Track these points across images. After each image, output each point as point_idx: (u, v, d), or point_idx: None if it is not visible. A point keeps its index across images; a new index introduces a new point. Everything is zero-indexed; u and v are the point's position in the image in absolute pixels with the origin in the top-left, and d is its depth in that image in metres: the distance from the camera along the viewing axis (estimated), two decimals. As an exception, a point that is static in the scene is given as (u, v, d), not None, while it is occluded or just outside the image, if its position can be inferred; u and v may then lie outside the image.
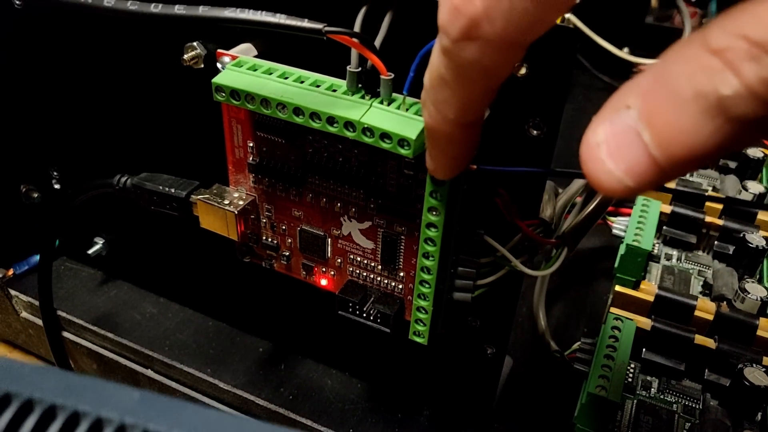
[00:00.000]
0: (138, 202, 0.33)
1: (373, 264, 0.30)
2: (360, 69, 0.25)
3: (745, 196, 0.43)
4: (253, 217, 0.32)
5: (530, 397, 0.38)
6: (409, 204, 0.28)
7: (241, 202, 0.31)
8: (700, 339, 0.33)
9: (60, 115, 0.39)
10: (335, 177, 0.29)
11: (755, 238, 0.38)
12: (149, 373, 0.39)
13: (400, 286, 0.30)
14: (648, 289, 0.36)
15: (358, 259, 0.31)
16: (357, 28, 0.25)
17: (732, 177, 0.46)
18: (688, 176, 0.48)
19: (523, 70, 0.24)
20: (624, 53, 0.60)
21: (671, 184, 0.46)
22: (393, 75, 0.25)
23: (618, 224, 0.44)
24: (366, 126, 0.24)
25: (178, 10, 0.26)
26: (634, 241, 0.38)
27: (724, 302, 0.36)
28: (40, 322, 0.41)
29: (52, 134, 0.40)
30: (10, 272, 0.44)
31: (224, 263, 0.37)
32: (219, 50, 0.29)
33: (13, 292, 0.43)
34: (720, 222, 0.41)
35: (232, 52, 0.29)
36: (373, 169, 0.28)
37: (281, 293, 0.37)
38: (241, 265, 0.34)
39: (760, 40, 0.12)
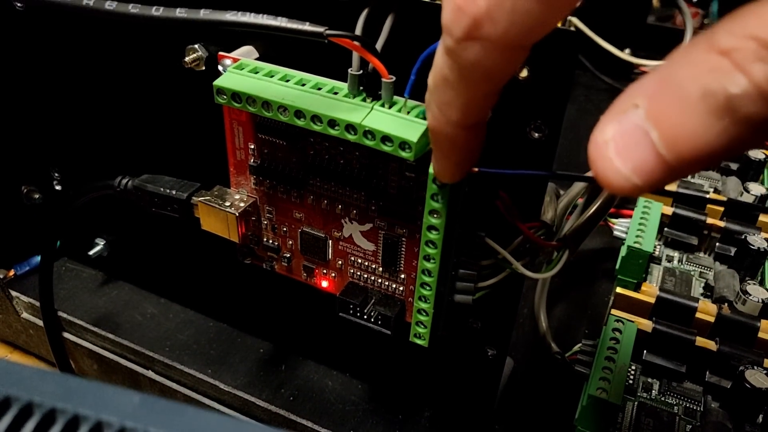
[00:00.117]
0: (139, 203, 0.33)
1: (374, 266, 0.30)
2: (361, 72, 0.25)
3: (747, 198, 0.43)
4: (254, 218, 0.32)
5: (531, 398, 0.38)
6: (410, 206, 0.28)
7: (242, 204, 0.31)
8: (701, 341, 0.33)
9: (61, 117, 0.39)
10: (336, 179, 0.29)
11: (757, 240, 0.38)
12: (150, 373, 0.39)
13: (401, 288, 0.30)
14: (649, 291, 0.36)
15: (359, 261, 0.31)
16: (358, 31, 0.25)
17: (734, 179, 0.46)
18: (689, 178, 0.48)
19: (524, 73, 0.24)
20: (625, 54, 0.60)
21: (673, 186, 0.46)
22: (394, 78, 0.25)
23: (619, 226, 0.44)
24: (367, 129, 0.24)
25: (180, 13, 0.26)
26: (635, 242, 0.38)
27: (726, 304, 0.36)
28: (40, 322, 0.41)
29: (54, 136, 0.40)
30: (11, 273, 0.44)
31: (225, 265, 0.37)
32: (220, 53, 0.29)
33: (14, 293, 0.43)
34: (721, 224, 0.40)
35: (234, 54, 0.29)
36: (374, 172, 0.28)
37: (282, 295, 0.37)
38: (242, 266, 0.34)
39: None
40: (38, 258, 0.45)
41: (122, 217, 0.42)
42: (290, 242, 0.32)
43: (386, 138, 0.24)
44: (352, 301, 0.30)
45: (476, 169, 0.25)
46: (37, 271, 0.41)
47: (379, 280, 0.31)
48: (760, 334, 0.33)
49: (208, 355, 0.40)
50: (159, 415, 0.14)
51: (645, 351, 0.34)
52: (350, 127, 0.24)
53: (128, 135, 0.37)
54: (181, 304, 0.43)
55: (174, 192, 0.32)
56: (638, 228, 0.39)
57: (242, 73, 0.27)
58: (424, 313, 0.29)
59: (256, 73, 0.27)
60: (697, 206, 0.42)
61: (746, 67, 0.12)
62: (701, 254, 0.41)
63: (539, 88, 0.24)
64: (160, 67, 0.33)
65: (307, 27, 0.25)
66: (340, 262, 0.31)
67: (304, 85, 0.26)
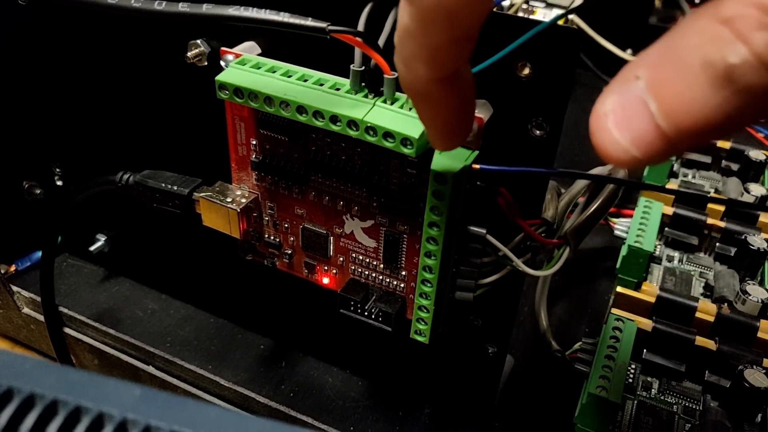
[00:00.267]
0: (140, 199, 0.33)
1: (375, 263, 0.30)
2: (363, 68, 0.25)
3: (747, 199, 0.43)
4: (255, 214, 0.32)
5: (531, 396, 0.38)
6: (412, 203, 0.28)
7: (243, 200, 0.31)
8: (700, 340, 0.33)
9: (63, 112, 0.39)
10: (338, 175, 0.29)
11: (757, 240, 0.39)
12: (150, 369, 0.39)
13: (402, 285, 0.30)
14: (649, 290, 0.36)
15: (360, 257, 0.31)
16: (361, 26, 0.25)
17: (734, 179, 0.46)
18: (690, 178, 0.48)
19: (526, 71, 0.24)
20: (627, 55, 0.60)
21: (673, 186, 0.46)
22: (396, 74, 0.25)
23: (620, 225, 0.45)
24: (369, 125, 0.24)
25: (182, 7, 0.26)
26: (635, 242, 0.38)
27: (725, 304, 0.36)
28: (41, 317, 0.41)
29: (55, 131, 0.40)
30: (12, 268, 0.45)
31: (226, 261, 0.37)
32: (222, 48, 0.29)
33: (15, 288, 0.43)
34: (722, 224, 0.41)
35: (236, 50, 0.29)
36: (375, 168, 0.28)
37: (283, 291, 0.37)
38: (243, 262, 0.34)
39: None
40: (39, 253, 0.45)
41: (123, 213, 0.42)
42: (291, 239, 0.32)
43: (388, 134, 0.24)
44: (353, 297, 0.30)
45: (477, 167, 0.25)
46: (38, 266, 0.41)
47: (380, 277, 0.31)
48: (760, 334, 0.34)
49: (208, 351, 0.40)
50: (160, 407, 0.14)
51: (645, 350, 0.34)
52: (352, 123, 0.24)
53: (130, 130, 0.37)
54: (182, 300, 0.43)
55: (175, 188, 0.32)
56: (639, 227, 0.39)
57: (244, 68, 0.27)
58: (425, 310, 0.29)
59: (259, 68, 0.27)
60: (698, 206, 0.42)
61: (746, 36, 0.12)
62: (701, 254, 0.42)
63: (541, 86, 0.24)
64: (162, 63, 0.33)
65: (309, 23, 0.25)
66: (341, 259, 0.31)
67: (306, 80, 0.26)
